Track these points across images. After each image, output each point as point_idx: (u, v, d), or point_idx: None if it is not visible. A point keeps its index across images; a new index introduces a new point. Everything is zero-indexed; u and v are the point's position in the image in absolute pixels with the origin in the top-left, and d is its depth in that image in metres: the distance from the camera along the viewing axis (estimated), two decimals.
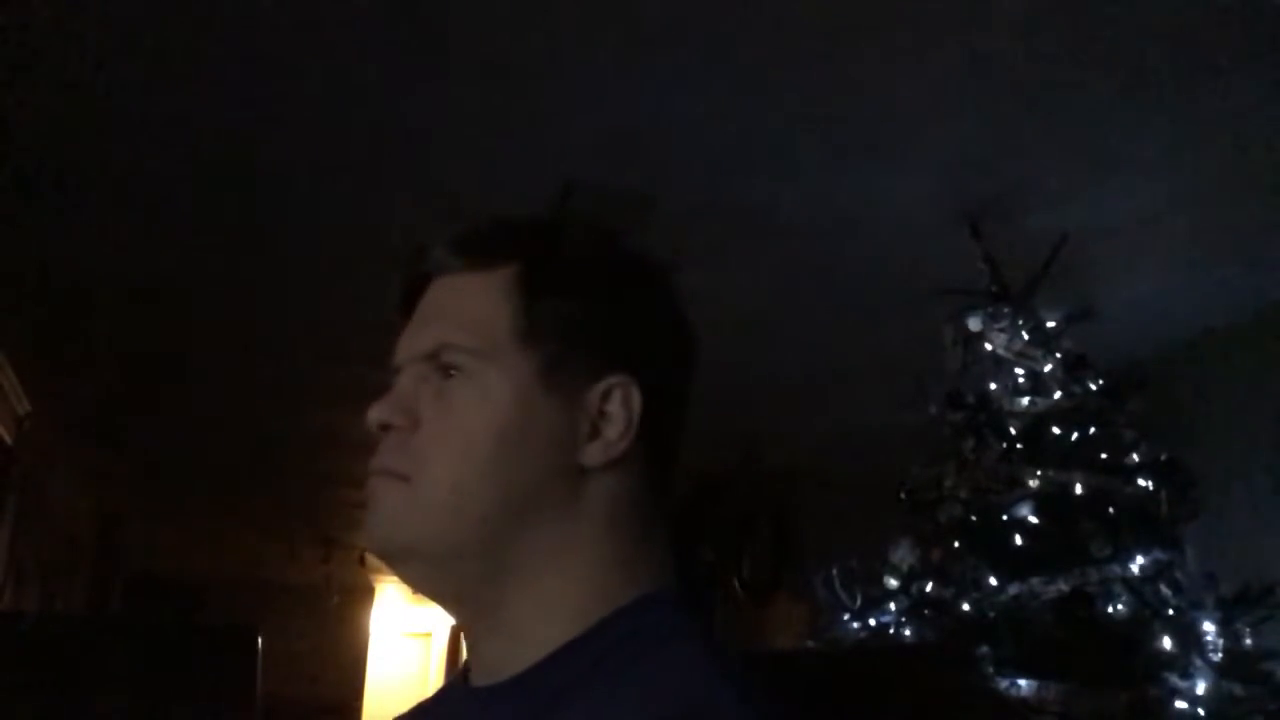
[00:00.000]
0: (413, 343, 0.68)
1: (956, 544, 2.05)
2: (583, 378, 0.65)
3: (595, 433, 0.65)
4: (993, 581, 1.93)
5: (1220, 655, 1.86)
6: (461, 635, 0.70)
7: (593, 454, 0.65)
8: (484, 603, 0.64)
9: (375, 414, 0.66)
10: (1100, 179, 2.17)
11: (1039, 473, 2.00)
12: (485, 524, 0.63)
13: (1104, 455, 2.06)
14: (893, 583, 2.14)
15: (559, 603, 0.63)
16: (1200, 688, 1.79)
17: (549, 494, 0.64)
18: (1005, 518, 2.01)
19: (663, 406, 0.67)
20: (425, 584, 0.66)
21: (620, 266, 0.71)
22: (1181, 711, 1.78)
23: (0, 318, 3.16)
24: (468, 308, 0.67)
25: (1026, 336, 2.16)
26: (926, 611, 2.04)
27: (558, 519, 0.64)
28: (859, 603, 2.18)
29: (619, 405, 0.65)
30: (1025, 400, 2.11)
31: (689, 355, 0.71)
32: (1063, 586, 1.90)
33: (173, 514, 6.48)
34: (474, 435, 0.63)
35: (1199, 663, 1.83)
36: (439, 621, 9.58)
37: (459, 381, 0.65)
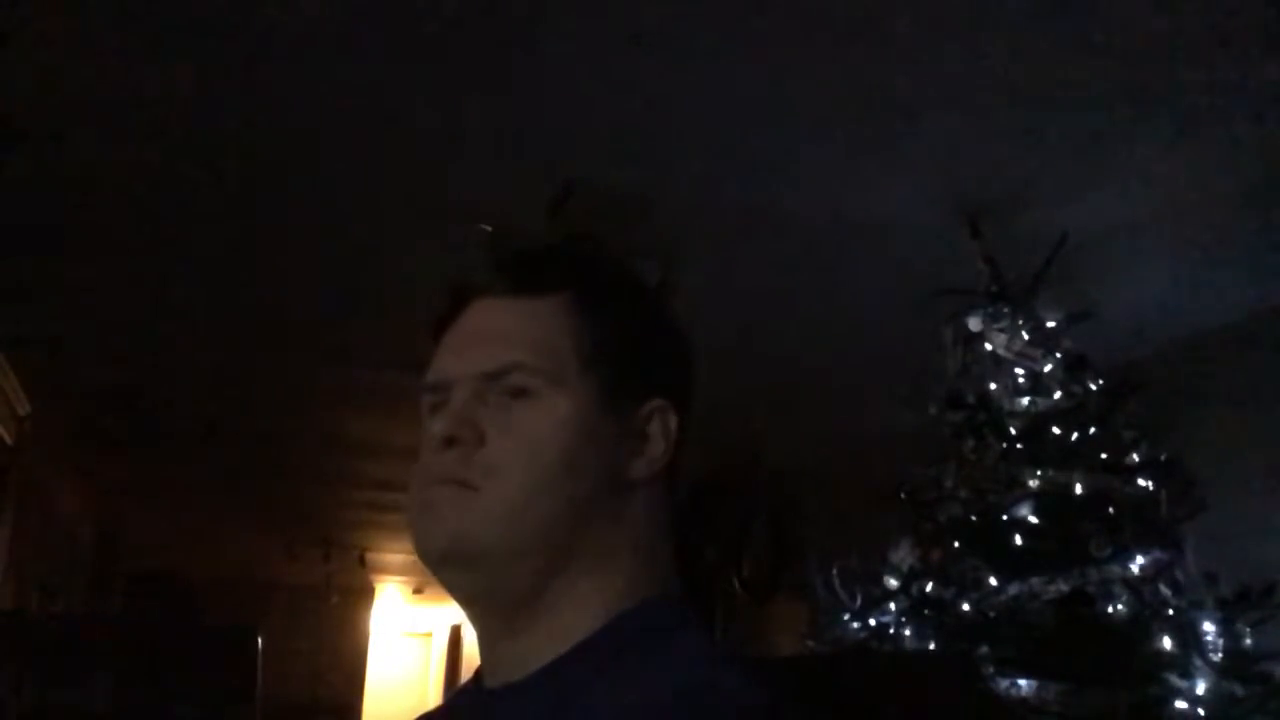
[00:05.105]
0: (471, 361, 0.71)
1: (956, 544, 2.05)
2: (631, 401, 0.72)
3: (640, 451, 0.72)
4: (993, 581, 1.94)
5: (1220, 655, 1.86)
6: (477, 638, 0.72)
7: (639, 469, 0.71)
8: (524, 604, 0.68)
9: (443, 428, 0.69)
10: (1099, 179, 2.18)
11: (1039, 473, 2.00)
12: (547, 531, 0.67)
13: (1104, 455, 2.06)
14: (893, 583, 2.14)
15: (593, 602, 0.68)
16: (1200, 688, 1.79)
17: (601, 505, 0.69)
18: (1005, 518, 2.01)
19: (685, 426, 0.74)
20: (475, 587, 0.69)
21: (649, 296, 0.78)
22: (1181, 711, 1.78)
23: (0, 318, 3.16)
24: (532, 332, 0.71)
25: (1026, 336, 2.16)
26: (926, 611, 2.04)
27: (606, 527, 0.69)
28: (859, 603, 2.18)
29: (659, 426, 0.73)
30: (1025, 400, 2.11)
31: (695, 378, 0.78)
32: (1063, 586, 1.90)
33: (173, 514, 6.48)
34: (543, 452, 0.68)
35: (1199, 663, 1.82)
36: (439, 621, 9.59)
37: (528, 401, 0.69)
